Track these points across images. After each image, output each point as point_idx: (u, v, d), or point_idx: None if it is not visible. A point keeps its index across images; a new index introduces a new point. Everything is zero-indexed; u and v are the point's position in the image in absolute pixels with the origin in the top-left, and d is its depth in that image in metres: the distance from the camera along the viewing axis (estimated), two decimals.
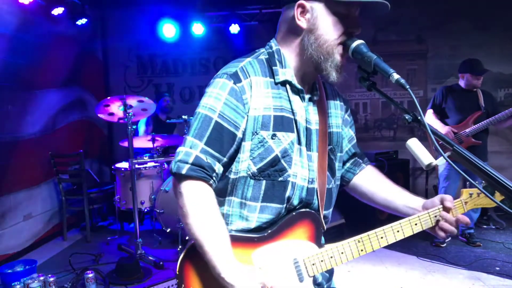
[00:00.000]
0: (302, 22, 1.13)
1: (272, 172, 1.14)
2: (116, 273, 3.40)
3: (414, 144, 1.07)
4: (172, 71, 6.24)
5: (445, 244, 4.02)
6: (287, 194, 1.16)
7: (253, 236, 1.15)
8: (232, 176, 1.15)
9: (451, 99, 3.93)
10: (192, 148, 1.09)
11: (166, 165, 4.80)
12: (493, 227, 4.56)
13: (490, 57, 5.13)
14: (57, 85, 4.92)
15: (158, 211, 4.19)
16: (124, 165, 4.51)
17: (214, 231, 1.06)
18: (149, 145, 4.50)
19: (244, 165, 1.13)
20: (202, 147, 1.09)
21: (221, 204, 1.17)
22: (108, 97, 3.82)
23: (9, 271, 3.31)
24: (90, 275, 3.14)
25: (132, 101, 3.80)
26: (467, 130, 3.78)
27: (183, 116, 4.59)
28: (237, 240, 1.12)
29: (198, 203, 1.07)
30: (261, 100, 1.13)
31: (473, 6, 5.39)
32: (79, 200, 4.61)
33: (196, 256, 1.10)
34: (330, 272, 1.29)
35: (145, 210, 4.50)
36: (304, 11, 1.12)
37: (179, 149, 1.11)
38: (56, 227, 4.70)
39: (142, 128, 5.16)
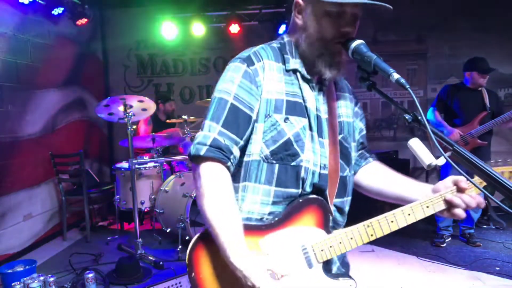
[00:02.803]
0: (298, 19, 1.18)
1: (285, 156, 1.15)
2: (116, 273, 3.39)
3: (415, 144, 1.07)
4: (172, 71, 6.24)
5: (445, 244, 4.02)
6: (300, 179, 1.17)
7: (260, 224, 1.15)
8: (245, 158, 1.17)
9: (457, 98, 3.92)
10: (210, 131, 1.11)
11: (166, 165, 4.80)
12: (493, 227, 4.56)
13: (490, 57, 5.10)
14: (57, 85, 4.92)
15: (158, 211, 4.19)
16: (124, 165, 4.51)
17: (227, 214, 1.07)
18: (149, 145, 4.51)
19: (257, 147, 1.15)
20: (220, 130, 1.11)
21: (235, 190, 1.16)
22: (108, 97, 3.81)
23: (9, 271, 3.31)
24: (90, 275, 3.14)
25: (132, 101, 3.79)
26: (472, 131, 3.77)
27: (183, 116, 4.59)
28: (244, 228, 1.09)
29: (214, 185, 1.09)
30: (274, 83, 1.16)
31: (473, 6, 5.39)
32: (79, 200, 4.61)
33: (207, 241, 1.11)
34: (346, 267, 1.30)
35: (145, 210, 4.50)
36: (300, 9, 1.16)
37: (198, 133, 1.14)
38: (56, 227, 4.70)
39: (142, 128, 5.16)
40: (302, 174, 1.16)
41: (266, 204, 1.16)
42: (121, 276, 3.34)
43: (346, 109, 1.31)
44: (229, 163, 1.11)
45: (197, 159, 1.11)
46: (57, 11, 4.63)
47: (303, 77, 1.20)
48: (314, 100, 1.21)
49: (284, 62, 1.20)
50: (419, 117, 1.00)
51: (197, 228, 3.96)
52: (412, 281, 3.28)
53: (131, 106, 3.79)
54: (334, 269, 1.24)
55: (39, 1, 4.37)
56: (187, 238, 3.92)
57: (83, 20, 5.02)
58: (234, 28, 5.59)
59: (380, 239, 1.20)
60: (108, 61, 6.25)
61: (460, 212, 1.12)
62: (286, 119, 1.14)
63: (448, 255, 3.78)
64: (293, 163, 1.15)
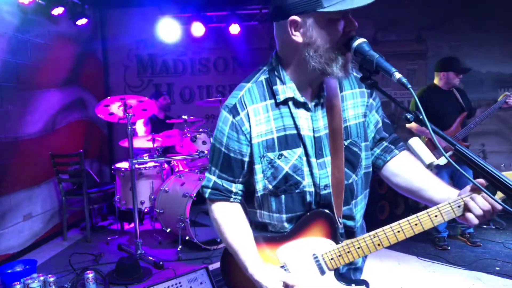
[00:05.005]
0: (297, 37, 1.12)
1: (288, 187, 1.23)
2: (116, 273, 3.39)
3: (415, 143, 1.07)
4: (172, 71, 6.24)
5: (450, 248, 3.96)
6: (306, 202, 1.25)
7: (275, 236, 1.28)
8: (256, 194, 1.28)
9: (433, 100, 3.81)
10: (211, 174, 1.30)
11: (166, 165, 4.80)
12: (493, 227, 4.55)
13: (490, 57, 5.13)
14: (57, 85, 4.92)
15: (158, 211, 4.18)
16: (124, 165, 4.51)
17: (238, 238, 1.25)
18: (149, 145, 4.50)
19: (261, 185, 1.25)
20: (218, 173, 1.28)
21: (255, 213, 1.33)
22: (108, 97, 3.81)
23: (9, 271, 3.31)
24: (90, 275, 3.14)
25: (132, 101, 3.79)
26: (457, 134, 3.72)
27: (183, 116, 4.59)
28: (262, 240, 1.28)
29: (222, 219, 1.28)
30: (262, 126, 1.21)
31: (473, 6, 5.40)
32: (79, 200, 4.61)
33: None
34: (360, 268, 1.40)
35: (145, 210, 4.50)
36: (297, 26, 1.10)
37: (206, 174, 1.34)
38: (56, 227, 4.70)
39: (140, 129, 5.16)
40: (308, 198, 1.24)
41: (280, 221, 1.28)
42: (121, 276, 3.34)
43: (354, 109, 1.27)
44: (231, 199, 1.29)
45: (206, 199, 1.33)
46: (57, 11, 4.63)
47: (296, 103, 1.20)
48: (311, 122, 1.20)
49: (273, 95, 1.21)
50: (421, 117, 1.00)
51: (197, 228, 3.96)
52: (412, 281, 3.28)
53: (131, 106, 3.79)
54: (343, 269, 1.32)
55: (39, 1, 4.37)
56: (187, 238, 3.92)
57: (83, 20, 5.02)
58: (234, 28, 5.58)
59: None
60: (108, 61, 6.25)
61: (471, 217, 1.08)
62: (280, 156, 1.20)
63: (448, 255, 3.77)
64: (297, 191, 1.23)
